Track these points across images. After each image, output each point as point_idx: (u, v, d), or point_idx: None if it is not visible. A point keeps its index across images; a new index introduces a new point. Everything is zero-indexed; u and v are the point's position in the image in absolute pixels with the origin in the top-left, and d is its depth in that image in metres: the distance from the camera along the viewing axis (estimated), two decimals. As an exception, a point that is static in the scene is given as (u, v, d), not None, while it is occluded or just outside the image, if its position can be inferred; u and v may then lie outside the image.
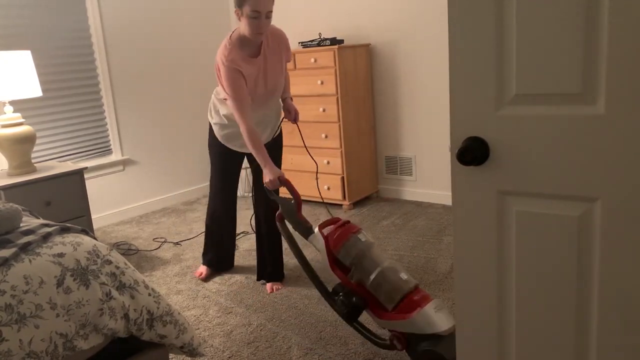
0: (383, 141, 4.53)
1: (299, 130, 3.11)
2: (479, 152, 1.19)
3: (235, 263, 3.39)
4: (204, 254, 3.23)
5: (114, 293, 1.74)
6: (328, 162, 4.29)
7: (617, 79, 1.04)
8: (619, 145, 1.06)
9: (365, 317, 2.53)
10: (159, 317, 1.82)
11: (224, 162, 2.95)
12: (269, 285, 3.01)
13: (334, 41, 4.13)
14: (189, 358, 2.32)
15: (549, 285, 1.21)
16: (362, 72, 4.30)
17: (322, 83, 4.13)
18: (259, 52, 2.65)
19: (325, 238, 2.17)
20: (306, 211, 4.35)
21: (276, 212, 2.51)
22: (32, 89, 3.24)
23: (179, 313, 1.91)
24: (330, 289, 2.26)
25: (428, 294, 2.04)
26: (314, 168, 4.38)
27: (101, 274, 1.73)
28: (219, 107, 2.82)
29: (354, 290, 2.11)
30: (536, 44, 1.11)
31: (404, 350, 2.05)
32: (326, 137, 4.24)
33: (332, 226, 2.21)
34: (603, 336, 1.17)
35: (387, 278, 2.03)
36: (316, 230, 2.22)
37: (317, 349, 2.36)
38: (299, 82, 4.27)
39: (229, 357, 2.34)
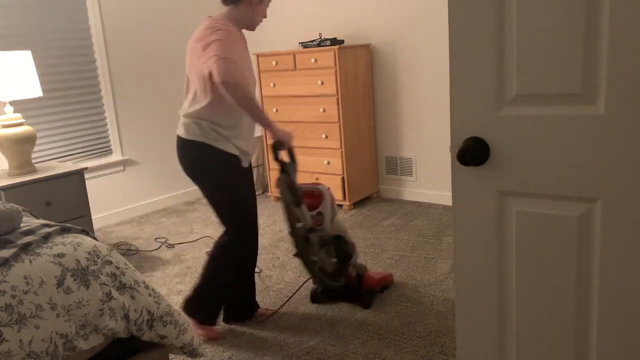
0: (383, 141, 4.53)
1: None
2: (479, 152, 1.19)
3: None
4: (218, 311, 2.56)
5: (114, 293, 1.73)
6: (328, 163, 4.29)
7: (617, 79, 1.04)
8: (619, 146, 1.06)
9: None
10: (159, 318, 1.82)
11: (248, 191, 2.41)
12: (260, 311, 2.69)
13: (334, 41, 4.13)
14: (189, 358, 2.32)
15: (549, 285, 1.21)
16: (363, 73, 4.30)
17: (322, 83, 4.13)
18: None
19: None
20: (306, 211, 4.35)
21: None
22: (33, 89, 3.24)
23: (179, 313, 1.91)
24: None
25: None
26: (314, 168, 4.38)
27: (101, 274, 1.73)
28: (211, 114, 2.32)
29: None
30: (536, 44, 1.11)
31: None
32: (326, 137, 4.24)
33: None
34: (603, 336, 1.17)
35: None
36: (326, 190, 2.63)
37: (317, 348, 2.36)
38: (299, 82, 4.27)
39: (229, 358, 2.34)
